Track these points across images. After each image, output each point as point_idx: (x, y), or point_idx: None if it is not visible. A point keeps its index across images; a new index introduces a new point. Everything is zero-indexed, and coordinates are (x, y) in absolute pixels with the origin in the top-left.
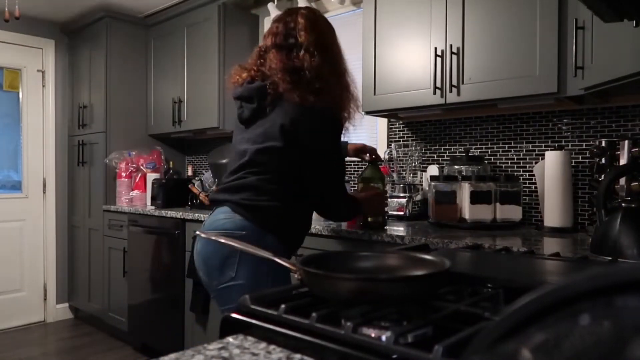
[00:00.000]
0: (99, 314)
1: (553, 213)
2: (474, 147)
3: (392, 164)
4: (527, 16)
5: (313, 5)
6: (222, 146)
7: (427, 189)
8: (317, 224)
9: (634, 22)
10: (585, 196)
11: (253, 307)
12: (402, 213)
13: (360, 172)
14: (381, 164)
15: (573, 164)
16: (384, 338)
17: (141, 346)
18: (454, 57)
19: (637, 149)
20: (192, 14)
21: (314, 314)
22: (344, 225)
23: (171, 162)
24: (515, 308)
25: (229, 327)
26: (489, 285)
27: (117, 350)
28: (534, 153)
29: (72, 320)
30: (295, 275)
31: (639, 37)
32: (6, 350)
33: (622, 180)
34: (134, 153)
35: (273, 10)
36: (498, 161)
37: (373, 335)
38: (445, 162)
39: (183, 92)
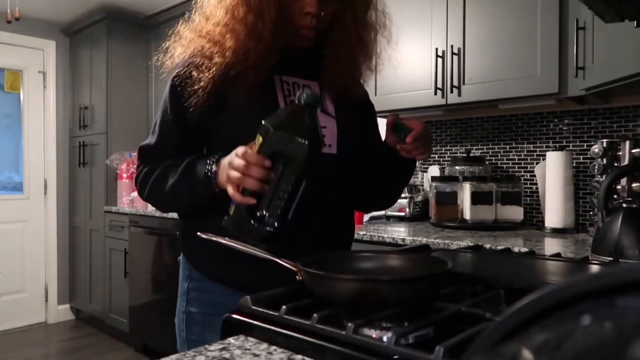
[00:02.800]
0: (100, 315)
1: (554, 214)
2: (474, 147)
3: None
4: (528, 17)
5: None
6: None
7: (428, 189)
8: None
9: (635, 22)
10: (587, 197)
11: (254, 308)
12: (403, 214)
13: None
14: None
15: (574, 165)
16: (385, 339)
17: (142, 347)
18: (455, 57)
19: (638, 150)
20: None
21: (315, 315)
22: None
23: None
24: (517, 309)
25: (230, 328)
26: (490, 286)
27: (118, 351)
28: (535, 154)
29: (73, 321)
30: (297, 276)
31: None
32: (7, 351)
33: (624, 181)
34: (135, 154)
35: None
36: (499, 162)
37: (374, 336)
38: (446, 163)
39: None
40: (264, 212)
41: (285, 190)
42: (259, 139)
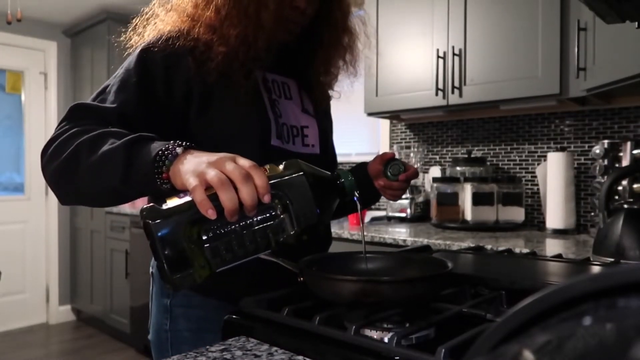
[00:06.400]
0: (101, 315)
1: (555, 214)
2: (476, 148)
3: None
4: (529, 17)
5: None
6: None
7: (429, 190)
8: None
9: (636, 23)
10: (588, 198)
11: (256, 309)
12: (404, 214)
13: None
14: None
15: (575, 166)
16: (386, 340)
17: (143, 348)
18: (456, 58)
19: (639, 151)
20: None
21: (316, 316)
22: (346, 226)
23: None
24: (518, 309)
25: (232, 329)
26: (491, 287)
27: (119, 352)
28: (536, 154)
29: (75, 322)
30: (299, 278)
31: None
32: (8, 352)
33: (625, 182)
34: None
35: None
36: (500, 162)
37: (375, 337)
38: (447, 164)
39: None
40: (207, 240)
41: (251, 240)
42: (277, 169)
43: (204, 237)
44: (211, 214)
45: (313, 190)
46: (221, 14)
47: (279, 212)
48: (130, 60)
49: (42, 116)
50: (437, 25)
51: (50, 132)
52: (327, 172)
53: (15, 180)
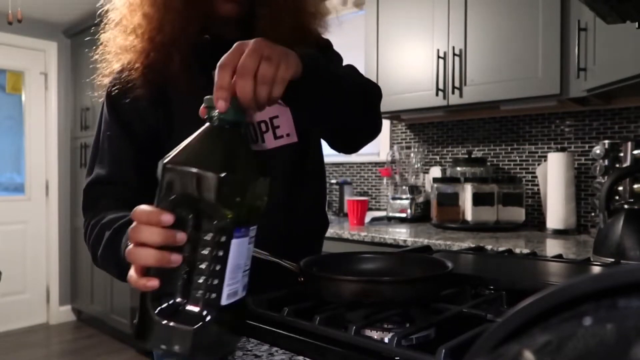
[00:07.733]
0: (102, 316)
1: (556, 215)
2: (476, 148)
3: (395, 166)
4: (529, 18)
5: None
6: None
7: (429, 190)
8: None
9: (637, 23)
10: (588, 198)
11: (256, 309)
12: (404, 215)
13: None
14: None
15: (576, 166)
16: (386, 340)
17: (144, 348)
18: (457, 58)
19: (639, 151)
20: None
21: (316, 317)
22: (346, 226)
23: None
24: (518, 310)
25: None
26: (492, 287)
27: (120, 352)
28: (536, 155)
29: (75, 322)
30: (299, 278)
31: None
32: (9, 352)
33: (626, 182)
34: None
35: None
36: (500, 163)
37: (376, 337)
38: (447, 164)
39: None
40: (179, 301)
41: (206, 257)
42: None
43: (176, 302)
44: (152, 284)
45: (192, 163)
46: (143, 14)
47: (195, 213)
48: (104, 112)
49: (42, 116)
50: (438, 26)
51: (51, 132)
52: (203, 128)
53: (16, 180)
